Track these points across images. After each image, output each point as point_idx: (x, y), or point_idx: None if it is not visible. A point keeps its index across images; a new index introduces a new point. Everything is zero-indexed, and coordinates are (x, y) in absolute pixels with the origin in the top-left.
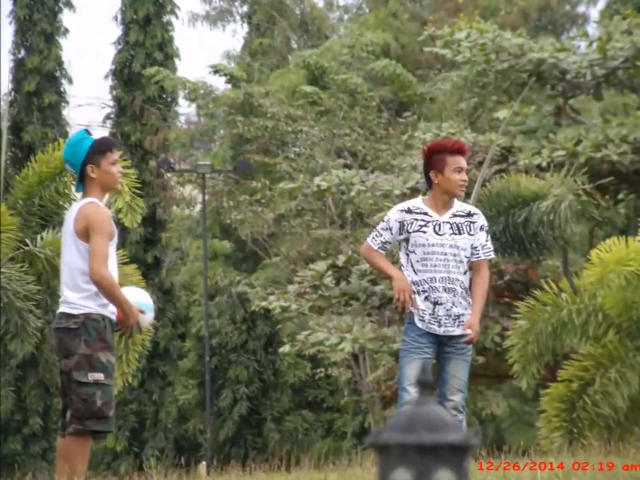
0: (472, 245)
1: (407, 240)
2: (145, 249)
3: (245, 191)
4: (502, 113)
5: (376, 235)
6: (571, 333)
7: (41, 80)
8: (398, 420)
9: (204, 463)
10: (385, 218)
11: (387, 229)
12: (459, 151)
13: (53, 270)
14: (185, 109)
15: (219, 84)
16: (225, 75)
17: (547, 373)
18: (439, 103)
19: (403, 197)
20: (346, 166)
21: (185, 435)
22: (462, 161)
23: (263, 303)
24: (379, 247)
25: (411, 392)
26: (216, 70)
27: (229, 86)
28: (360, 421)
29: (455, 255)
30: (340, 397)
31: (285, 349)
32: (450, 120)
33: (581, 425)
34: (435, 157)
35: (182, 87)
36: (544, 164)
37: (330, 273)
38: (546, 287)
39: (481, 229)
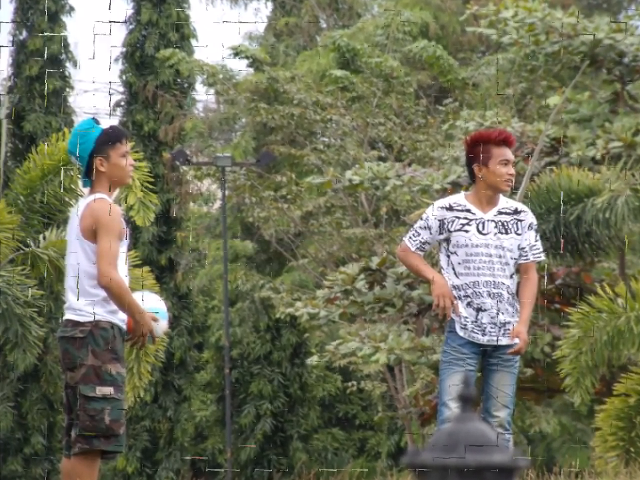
0: (519, 245)
1: (447, 240)
2: (159, 250)
3: (269, 186)
4: (552, 100)
5: (413, 235)
6: (629, 343)
7: (43, 64)
8: (438, 438)
9: None
10: (424, 216)
11: (425, 227)
12: (505, 141)
13: (56, 273)
14: (203, 95)
15: (241, 68)
16: (247, 57)
17: (602, 387)
18: (482, 88)
19: (444, 192)
20: (380, 158)
21: (202, 454)
22: (508, 153)
23: (289, 310)
24: (417, 248)
25: (452, 407)
26: (237, 52)
27: (251, 70)
28: (396, 440)
29: (500, 257)
30: (373, 413)
31: (313, 360)
32: (495, 108)
33: (639, 444)
34: (478, 148)
35: (199, 71)
36: (599, 156)
37: (362, 276)
38: (600, 291)
39: (530, 227)
